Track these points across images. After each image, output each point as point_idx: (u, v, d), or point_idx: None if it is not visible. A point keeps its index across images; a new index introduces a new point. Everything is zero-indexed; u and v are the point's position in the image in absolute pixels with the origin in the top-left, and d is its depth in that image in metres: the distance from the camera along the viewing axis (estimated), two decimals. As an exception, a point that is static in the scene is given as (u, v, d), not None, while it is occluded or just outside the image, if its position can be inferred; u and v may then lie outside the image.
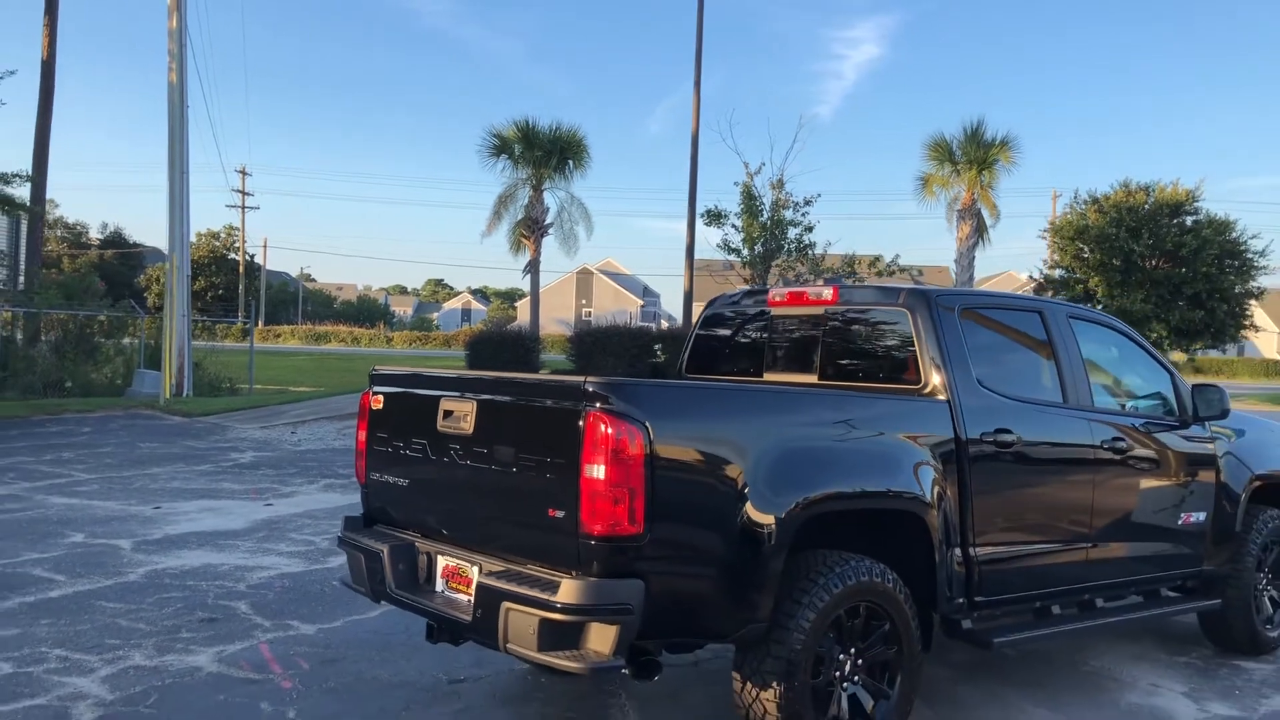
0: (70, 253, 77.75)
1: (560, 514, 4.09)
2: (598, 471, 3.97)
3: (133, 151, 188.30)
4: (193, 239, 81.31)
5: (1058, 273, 28.30)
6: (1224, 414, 6.34)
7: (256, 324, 78.24)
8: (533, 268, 31.61)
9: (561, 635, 4.01)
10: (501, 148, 31.39)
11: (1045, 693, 5.89)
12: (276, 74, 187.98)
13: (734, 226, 27.89)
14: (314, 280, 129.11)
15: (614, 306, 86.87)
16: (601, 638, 4.00)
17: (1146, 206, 26.98)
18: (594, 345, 27.04)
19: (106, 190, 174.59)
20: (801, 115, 60.88)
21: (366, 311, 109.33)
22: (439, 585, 4.74)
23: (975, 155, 30.92)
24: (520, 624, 4.06)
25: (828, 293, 5.78)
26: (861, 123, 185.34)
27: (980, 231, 31.89)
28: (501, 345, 27.98)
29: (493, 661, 5.95)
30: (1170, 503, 6.24)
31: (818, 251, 28.76)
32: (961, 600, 5.16)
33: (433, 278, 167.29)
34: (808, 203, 28.29)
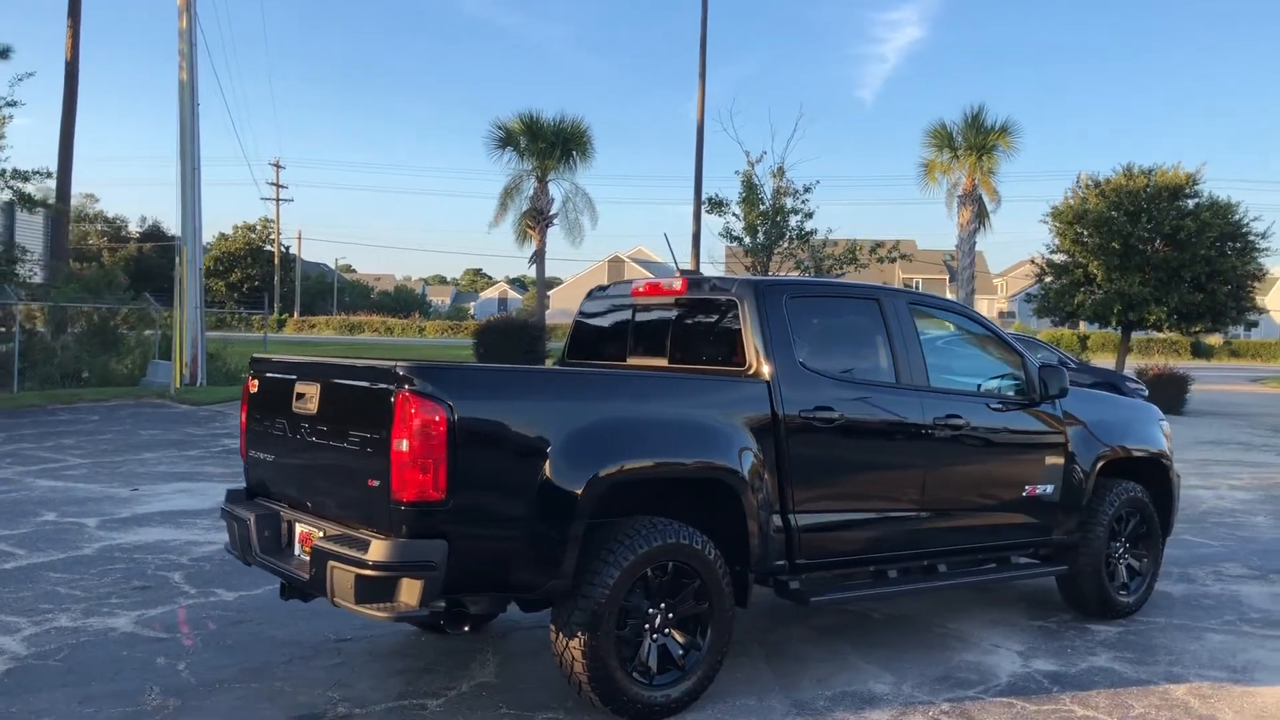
0: (110, 246, 79.53)
1: (377, 483, 4.66)
2: (404, 445, 4.53)
3: (169, 146, 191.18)
4: (229, 231, 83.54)
5: (1059, 257, 28.45)
6: (1062, 393, 6.77)
7: (292, 315, 79.90)
8: (538, 258, 32.29)
9: (376, 589, 4.57)
10: (507, 139, 32.07)
11: (886, 652, 6.36)
12: (312, 65, 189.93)
13: (735, 215, 28.36)
14: (354, 271, 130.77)
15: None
16: (410, 591, 4.56)
17: (1147, 190, 27.09)
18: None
19: (145, 185, 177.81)
20: (801, 105, 61.56)
21: (403, 301, 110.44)
22: (296, 549, 5.32)
23: (975, 141, 31.14)
24: (342, 580, 4.62)
25: (678, 284, 6.27)
26: (901, 106, 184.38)
27: (981, 217, 32.10)
28: (508, 334, 28.63)
29: (383, 624, 6.52)
30: (1014, 475, 6.68)
31: (820, 238, 29.15)
32: (782, 562, 5.66)
33: (471, 267, 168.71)
34: (807, 190, 28.68)
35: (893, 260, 28.84)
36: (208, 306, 68.49)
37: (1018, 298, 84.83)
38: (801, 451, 5.69)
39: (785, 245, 28.76)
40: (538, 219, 31.79)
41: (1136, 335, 33.80)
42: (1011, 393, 6.83)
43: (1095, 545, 7.03)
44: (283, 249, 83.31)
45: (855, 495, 5.99)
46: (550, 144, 31.26)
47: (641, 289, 6.56)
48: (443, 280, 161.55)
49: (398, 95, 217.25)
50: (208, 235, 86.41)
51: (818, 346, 6.02)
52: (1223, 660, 6.41)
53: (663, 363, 6.30)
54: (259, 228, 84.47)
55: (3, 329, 22.38)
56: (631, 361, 6.52)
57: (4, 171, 24.32)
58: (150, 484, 11.89)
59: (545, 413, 4.88)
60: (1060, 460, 6.89)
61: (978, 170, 31.30)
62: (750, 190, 28.43)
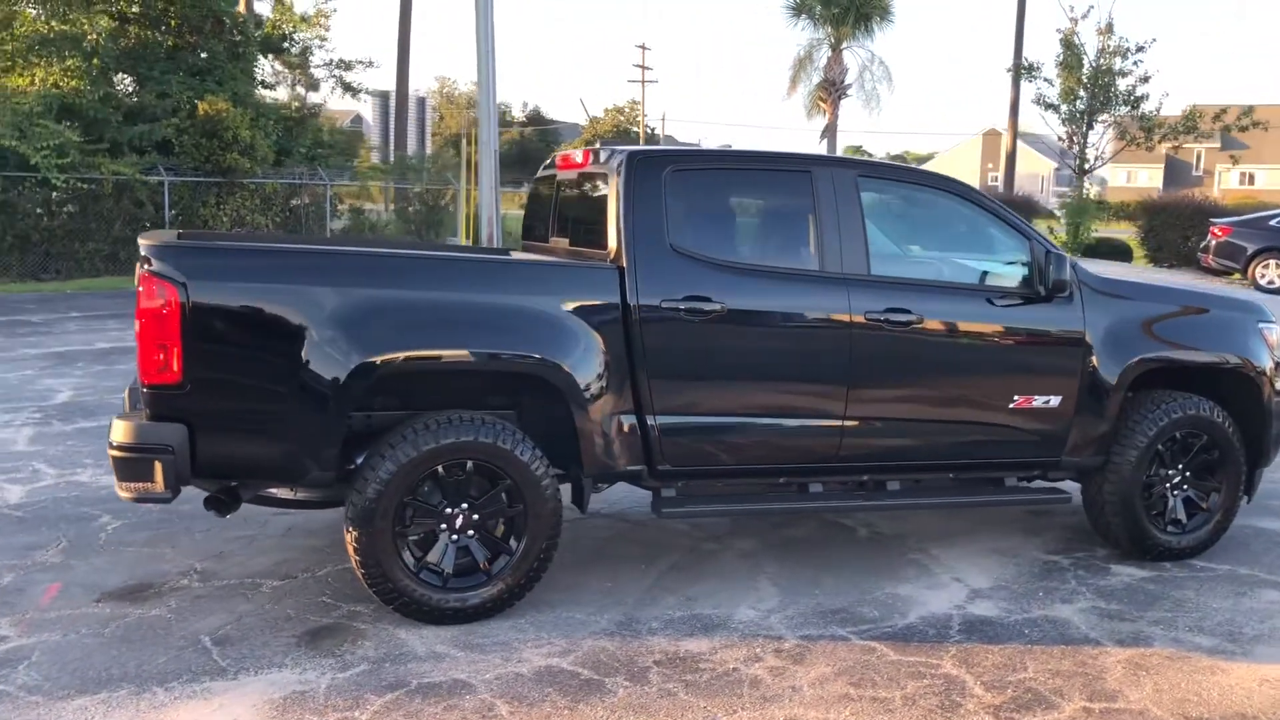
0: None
1: (136, 365, 4.65)
2: (141, 326, 4.47)
3: (551, 32, 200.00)
4: (600, 114, 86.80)
5: None
6: (1061, 286, 5.49)
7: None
8: (829, 132, 30.78)
9: (130, 469, 4.58)
10: (801, 7, 30.60)
11: (814, 574, 5.58)
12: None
13: (1047, 80, 25.64)
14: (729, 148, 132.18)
15: (1024, 171, 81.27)
16: (159, 473, 4.54)
17: None
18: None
19: (527, 70, 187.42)
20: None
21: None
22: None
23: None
24: (110, 458, 4.69)
25: (580, 157, 5.68)
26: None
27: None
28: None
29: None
30: (995, 383, 5.57)
31: (1151, 106, 25.75)
32: (638, 468, 5.09)
33: (852, 145, 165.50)
34: (1140, 49, 25.37)
35: (1243, 129, 24.99)
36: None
37: None
38: (666, 347, 5.03)
39: (1111, 113, 25.73)
40: (831, 90, 30.23)
41: None
42: (1013, 283, 5.68)
43: (1125, 470, 5.75)
44: (649, 130, 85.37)
45: (745, 397, 5.22)
46: (844, 9, 29.45)
47: (561, 164, 6.01)
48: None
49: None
50: (580, 117, 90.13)
51: (708, 228, 5.28)
52: (1238, 626, 5.08)
53: (566, 244, 5.78)
54: (627, 110, 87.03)
55: (313, 208, 24.71)
56: (552, 243, 6.03)
57: (330, 62, 26.63)
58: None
59: (299, 295, 4.59)
60: (1074, 365, 5.65)
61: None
62: (1070, 51, 25.54)
